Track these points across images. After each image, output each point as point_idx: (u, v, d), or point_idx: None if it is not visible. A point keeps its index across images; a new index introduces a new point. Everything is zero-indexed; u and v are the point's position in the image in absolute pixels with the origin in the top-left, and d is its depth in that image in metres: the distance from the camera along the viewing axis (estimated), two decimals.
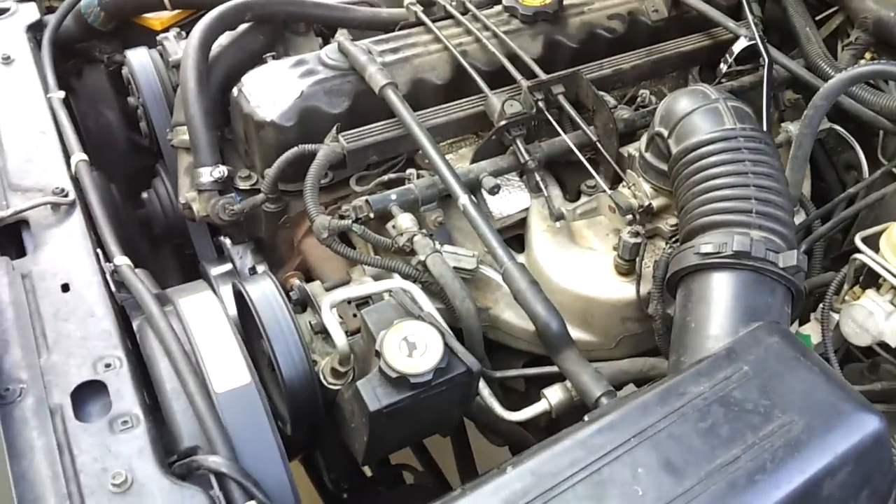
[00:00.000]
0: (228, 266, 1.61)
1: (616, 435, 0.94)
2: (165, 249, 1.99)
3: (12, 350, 1.12)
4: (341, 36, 1.54)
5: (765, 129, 1.38)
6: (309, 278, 1.47)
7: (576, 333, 1.37)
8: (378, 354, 1.07)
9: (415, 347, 1.08)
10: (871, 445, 0.94)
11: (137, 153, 1.94)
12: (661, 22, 1.74)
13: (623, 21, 1.71)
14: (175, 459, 1.03)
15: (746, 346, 1.01)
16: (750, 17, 1.58)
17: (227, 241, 1.64)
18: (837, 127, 1.63)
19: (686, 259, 1.14)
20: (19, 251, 1.32)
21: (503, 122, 1.42)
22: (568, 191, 1.53)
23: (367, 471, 1.67)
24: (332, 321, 1.13)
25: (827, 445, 0.92)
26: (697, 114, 1.26)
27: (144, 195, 1.84)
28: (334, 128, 1.42)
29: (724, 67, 1.63)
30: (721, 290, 1.10)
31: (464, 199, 1.27)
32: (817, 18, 1.74)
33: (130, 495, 0.97)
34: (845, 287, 1.21)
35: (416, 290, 1.19)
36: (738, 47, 1.58)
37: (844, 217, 1.38)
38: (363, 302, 1.26)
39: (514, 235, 1.51)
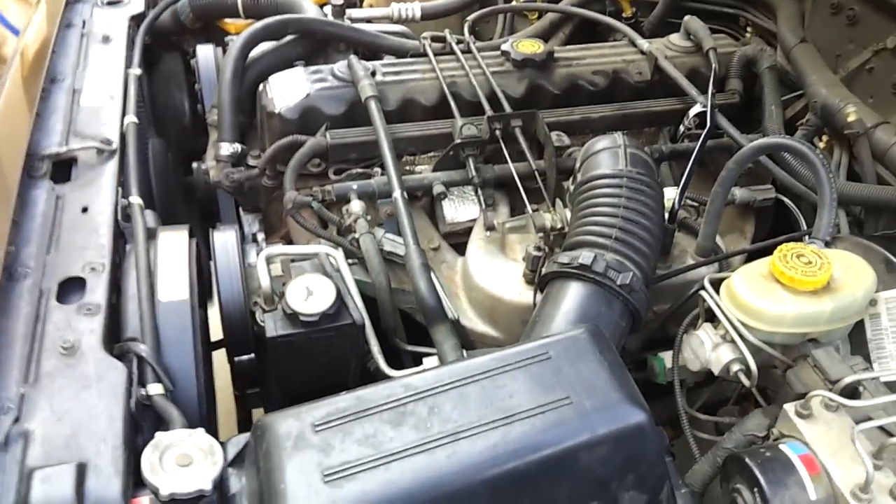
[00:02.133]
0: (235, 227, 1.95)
1: (429, 383, 1.16)
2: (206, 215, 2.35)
3: (29, 245, 1.48)
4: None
5: (683, 181, 1.56)
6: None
7: (485, 328, 1.61)
8: (282, 295, 1.35)
9: (311, 294, 1.35)
10: (631, 433, 1.11)
11: (198, 131, 2.32)
12: (643, 84, 1.95)
13: (607, 77, 1.93)
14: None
15: (560, 340, 1.21)
16: (710, 87, 1.77)
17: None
18: (783, 197, 1.78)
19: (549, 267, 1.36)
20: (66, 179, 1.70)
21: (458, 141, 1.68)
22: (516, 210, 1.76)
23: None
24: (262, 266, 1.42)
25: (588, 423, 1.10)
26: (601, 154, 1.48)
27: (194, 165, 2.21)
28: (324, 125, 1.73)
29: (682, 129, 1.82)
30: (566, 295, 1.31)
31: (397, 193, 1.53)
32: (785, 98, 1.89)
33: (72, 358, 1.27)
34: (699, 320, 1.38)
35: (339, 257, 1.46)
36: (692, 112, 1.78)
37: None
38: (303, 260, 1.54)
39: (464, 242, 1.76)
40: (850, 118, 1.66)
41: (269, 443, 1.11)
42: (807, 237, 1.43)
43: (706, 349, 1.30)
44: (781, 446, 1.13)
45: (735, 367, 1.27)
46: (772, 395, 1.36)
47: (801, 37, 1.88)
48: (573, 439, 1.10)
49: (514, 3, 2.50)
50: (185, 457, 1.13)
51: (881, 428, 1.12)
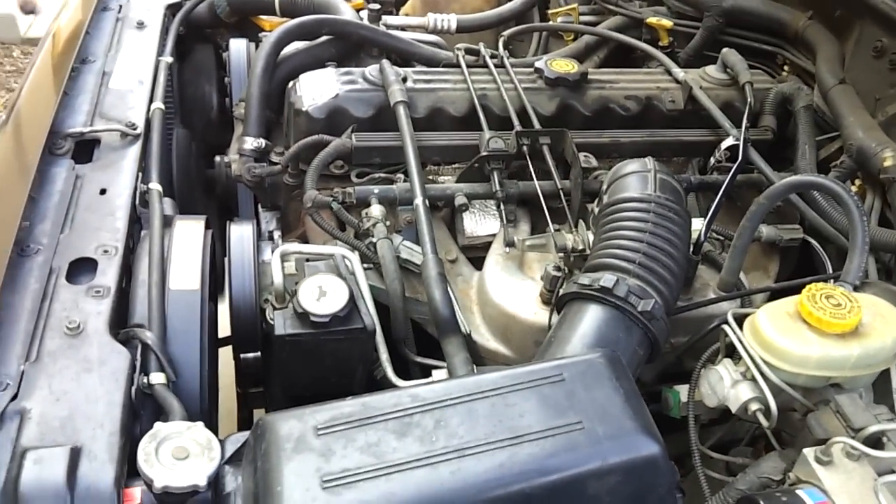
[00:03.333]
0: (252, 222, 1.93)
1: (437, 395, 1.13)
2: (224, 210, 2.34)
3: (44, 222, 1.46)
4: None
5: (710, 214, 1.53)
6: None
7: (497, 345, 1.57)
8: (294, 294, 1.32)
9: (324, 295, 1.32)
10: (642, 464, 1.07)
11: (224, 125, 2.31)
12: (676, 112, 1.92)
13: (639, 103, 1.91)
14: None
15: (575, 362, 1.17)
16: (744, 121, 1.74)
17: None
18: (811, 239, 1.74)
19: (568, 288, 1.32)
20: (88, 160, 1.69)
21: (484, 154, 1.65)
22: (537, 229, 1.73)
23: None
24: (276, 263, 1.39)
25: (600, 451, 1.06)
26: (630, 177, 1.44)
27: (217, 158, 2.20)
28: (350, 127, 1.71)
29: (713, 161, 1.79)
30: (584, 318, 1.27)
31: (419, 200, 1.51)
32: (819, 139, 1.86)
33: (76, 339, 1.24)
34: (719, 355, 1.34)
35: (355, 260, 1.43)
36: (724, 145, 1.75)
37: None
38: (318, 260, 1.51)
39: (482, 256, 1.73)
40: (887, 163, 1.63)
41: (268, 443, 1.08)
42: (833, 280, 1.39)
43: (725, 385, 1.26)
44: (799, 492, 1.09)
45: (754, 406, 1.23)
46: (787, 438, 1.31)
47: (841, 78, 1.85)
48: (583, 466, 1.06)
49: (550, 22, 2.48)
50: (181, 450, 1.10)
51: None
